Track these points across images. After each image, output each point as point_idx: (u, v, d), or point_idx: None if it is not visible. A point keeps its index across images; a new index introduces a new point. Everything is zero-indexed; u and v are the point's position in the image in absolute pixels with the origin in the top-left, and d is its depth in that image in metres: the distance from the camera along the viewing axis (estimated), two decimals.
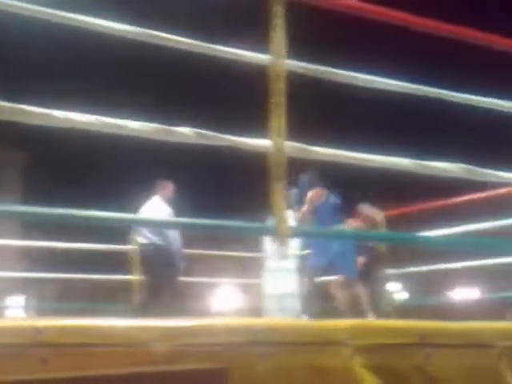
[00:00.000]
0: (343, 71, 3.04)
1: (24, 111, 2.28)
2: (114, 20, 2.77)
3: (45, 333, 1.62)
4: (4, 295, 17.61)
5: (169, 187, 7.47)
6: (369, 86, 3.14)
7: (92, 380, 1.55)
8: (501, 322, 2.43)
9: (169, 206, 7.27)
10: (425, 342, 2.08)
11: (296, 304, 7.06)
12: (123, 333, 1.75)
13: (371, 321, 2.15)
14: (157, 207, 7.20)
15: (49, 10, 2.67)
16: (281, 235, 2.57)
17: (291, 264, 7.05)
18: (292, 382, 1.88)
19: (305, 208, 6.76)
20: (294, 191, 6.87)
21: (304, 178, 6.99)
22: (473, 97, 3.37)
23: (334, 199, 7.06)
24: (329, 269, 6.73)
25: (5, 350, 1.57)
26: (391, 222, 7.43)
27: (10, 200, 30.22)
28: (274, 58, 2.63)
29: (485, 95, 3.41)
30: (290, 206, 6.28)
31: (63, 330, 1.68)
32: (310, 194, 6.82)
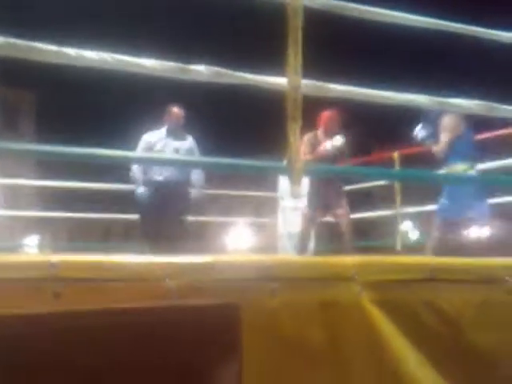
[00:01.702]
0: (362, 6, 2.99)
1: (37, 48, 2.28)
2: None
3: (58, 267, 1.65)
4: (19, 235, 17.87)
5: (176, 113, 6.71)
6: (387, 20, 3.09)
7: (104, 314, 1.59)
8: (511, 258, 2.45)
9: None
10: (434, 277, 2.11)
11: (310, 243, 7.11)
12: (137, 268, 1.78)
13: (380, 257, 2.17)
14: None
15: None
16: (295, 173, 2.58)
17: (300, 201, 7.04)
18: (302, 316, 1.92)
19: (444, 138, 5.62)
20: (421, 126, 5.81)
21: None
22: (495, 31, 3.31)
23: (470, 131, 5.88)
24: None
25: (19, 283, 1.61)
26: (411, 160, 7.34)
27: (25, 140, 30.34)
28: None
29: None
30: (424, 143, 5.75)
31: (77, 265, 1.71)
32: (446, 120, 5.65)
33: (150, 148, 6.56)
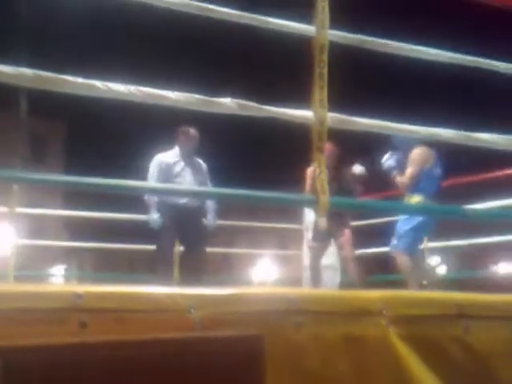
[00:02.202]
0: (385, 40, 3.01)
1: (65, 81, 2.32)
2: None
3: (84, 298, 1.67)
4: (46, 264, 18.03)
5: (194, 135, 6.37)
6: (412, 55, 3.11)
7: (129, 344, 1.59)
8: None
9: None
10: (463, 313, 2.08)
11: (335, 276, 7.09)
12: (161, 299, 1.79)
13: (407, 291, 2.16)
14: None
15: None
16: (320, 206, 2.58)
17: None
18: (327, 350, 1.91)
19: (411, 171, 5.54)
20: (390, 155, 5.74)
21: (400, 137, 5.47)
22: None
23: (440, 164, 5.76)
24: None
25: (46, 314, 1.63)
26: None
27: (54, 172, 30.78)
28: (318, 28, 2.60)
29: None
30: (390, 172, 5.65)
31: (102, 296, 1.73)
32: (417, 152, 5.57)
33: (167, 169, 6.26)
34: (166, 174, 6.22)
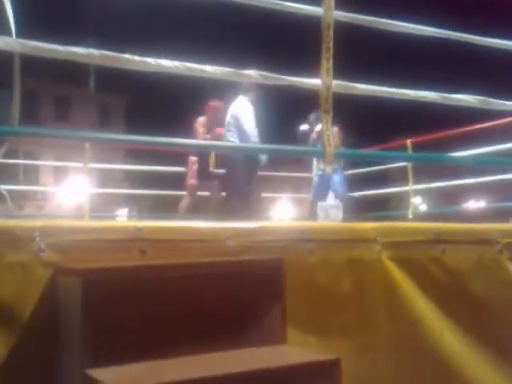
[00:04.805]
0: (382, 19, 2.95)
1: (126, 59, 2.30)
2: None
3: (143, 230, 1.69)
4: (112, 208, 18.24)
5: (254, 89, 6.00)
6: (403, 31, 3.05)
7: (179, 267, 1.61)
8: (503, 224, 2.39)
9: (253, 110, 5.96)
10: (440, 239, 2.08)
11: (339, 212, 7.08)
12: (203, 231, 1.81)
13: (396, 222, 2.16)
14: (244, 108, 5.94)
15: None
16: (327, 156, 2.56)
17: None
18: (333, 270, 1.92)
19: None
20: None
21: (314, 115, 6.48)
22: (492, 39, 3.25)
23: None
24: None
25: (113, 243, 1.64)
26: (421, 147, 7.24)
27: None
28: (325, 9, 2.56)
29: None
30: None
31: (157, 229, 1.74)
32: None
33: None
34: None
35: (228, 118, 6.04)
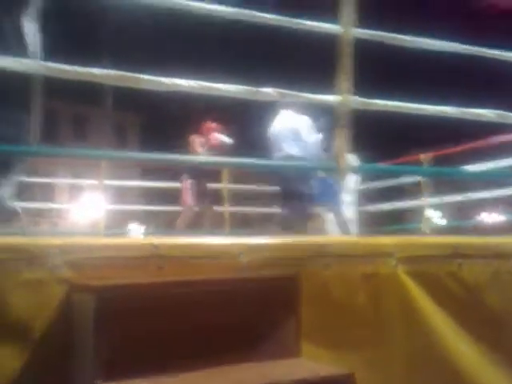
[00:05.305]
0: (401, 36, 2.96)
1: (142, 79, 2.32)
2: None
3: (160, 247, 1.69)
4: (127, 224, 18.29)
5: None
6: (421, 46, 3.06)
7: (193, 282, 1.61)
8: None
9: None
10: (457, 253, 2.05)
11: (353, 228, 7.03)
12: (217, 247, 1.80)
13: (412, 237, 2.14)
14: (303, 120, 5.69)
15: None
16: (340, 171, 2.56)
17: (350, 196, 6.98)
18: (348, 285, 1.90)
19: None
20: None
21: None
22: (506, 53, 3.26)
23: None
24: None
25: (130, 260, 1.65)
26: (437, 161, 7.19)
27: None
28: (343, 27, 2.56)
29: None
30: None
31: (173, 246, 1.74)
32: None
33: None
34: None
35: (285, 131, 5.74)
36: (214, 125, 7.43)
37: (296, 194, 5.61)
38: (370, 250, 1.98)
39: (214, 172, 7.27)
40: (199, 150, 7.14)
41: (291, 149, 5.58)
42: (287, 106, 5.67)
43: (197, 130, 7.40)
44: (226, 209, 7.35)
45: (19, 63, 2.12)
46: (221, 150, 7.13)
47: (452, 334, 1.96)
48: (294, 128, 5.74)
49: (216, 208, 7.59)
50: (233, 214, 7.52)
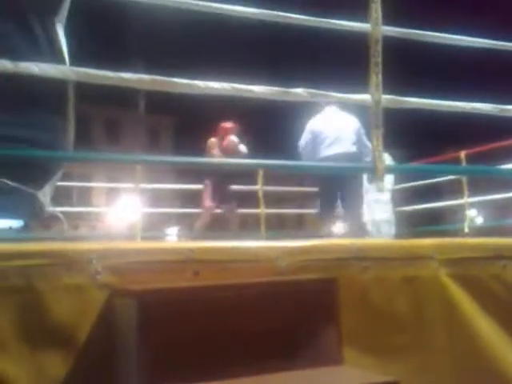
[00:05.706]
0: (430, 32, 2.90)
1: (175, 83, 2.32)
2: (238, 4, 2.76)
3: (196, 252, 1.69)
4: (163, 227, 18.49)
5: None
6: (454, 43, 2.99)
7: (231, 287, 1.60)
8: None
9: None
10: (500, 254, 2.00)
11: (391, 228, 6.96)
12: (255, 251, 1.79)
13: (454, 238, 2.10)
14: (342, 117, 5.70)
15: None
16: (378, 172, 2.51)
17: (386, 196, 6.91)
18: (388, 289, 1.87)
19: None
20: None
21: None
22: None
23: None
24: None
25: (166, 265, 1.65)
26: (472, 159, 7.04)
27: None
28: (372, 25, 2.53)
29: None
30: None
31: (209, 250, 1.74)
32: None
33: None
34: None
35: (350, 133, 5.66)
36: (230, 125, 7.20)
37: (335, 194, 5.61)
38: (409, 252, 1.94)
39: (237, 174, 7.15)
40: (213, 151, 7.00)
41: (351, 146, 5.51)
42: (329, 103, 5.56)
43: (214, 131, 7.27)
44: (262, 210, 7.26)
45: (53, 69, 2.15)
46: (233, 153, 6.92)
47: (499, 340, 1.90)
48: (355, 127, 5.67)
49: (242, 210, 7.54)
50: (268, 216, 7.43)
